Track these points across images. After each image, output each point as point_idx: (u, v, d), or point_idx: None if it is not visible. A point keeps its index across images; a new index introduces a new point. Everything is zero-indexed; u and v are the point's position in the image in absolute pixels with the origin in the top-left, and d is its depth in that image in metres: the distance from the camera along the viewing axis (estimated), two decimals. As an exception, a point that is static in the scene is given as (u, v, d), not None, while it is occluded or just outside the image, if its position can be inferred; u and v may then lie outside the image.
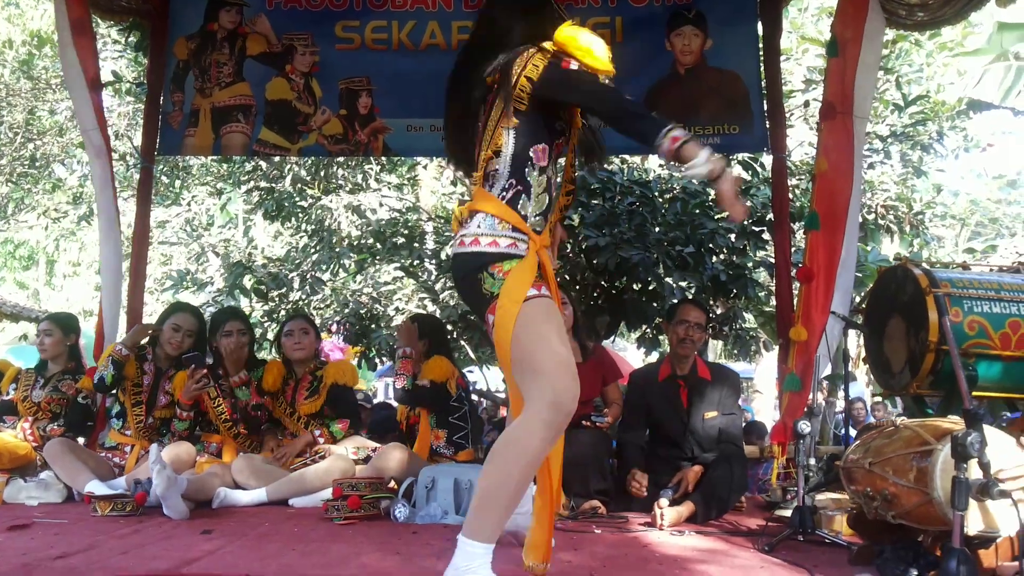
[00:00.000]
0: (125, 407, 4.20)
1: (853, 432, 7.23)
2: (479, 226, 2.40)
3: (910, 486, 2.40)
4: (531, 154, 2.42)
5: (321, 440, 4.19)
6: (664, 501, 3.51)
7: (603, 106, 2.40)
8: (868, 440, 2.83)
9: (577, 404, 2.27)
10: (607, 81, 2.44)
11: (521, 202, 2.41)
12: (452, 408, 4.09)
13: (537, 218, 2.44)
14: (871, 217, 7.33)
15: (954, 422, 2.50)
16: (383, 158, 9.02)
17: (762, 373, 15.12)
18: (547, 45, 2.44)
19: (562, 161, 2.66)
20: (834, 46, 4.17)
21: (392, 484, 3.71)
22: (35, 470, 4.12)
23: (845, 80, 4.12)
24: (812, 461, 3.11)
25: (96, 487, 3.68)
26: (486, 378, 13.90)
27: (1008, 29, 9.71)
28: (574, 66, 2.41)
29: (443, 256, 8.87)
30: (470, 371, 13.72)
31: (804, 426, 3.09)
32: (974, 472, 2.16)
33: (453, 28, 5.13)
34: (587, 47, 2.38)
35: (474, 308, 2.51)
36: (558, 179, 2.58)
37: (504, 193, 2.42)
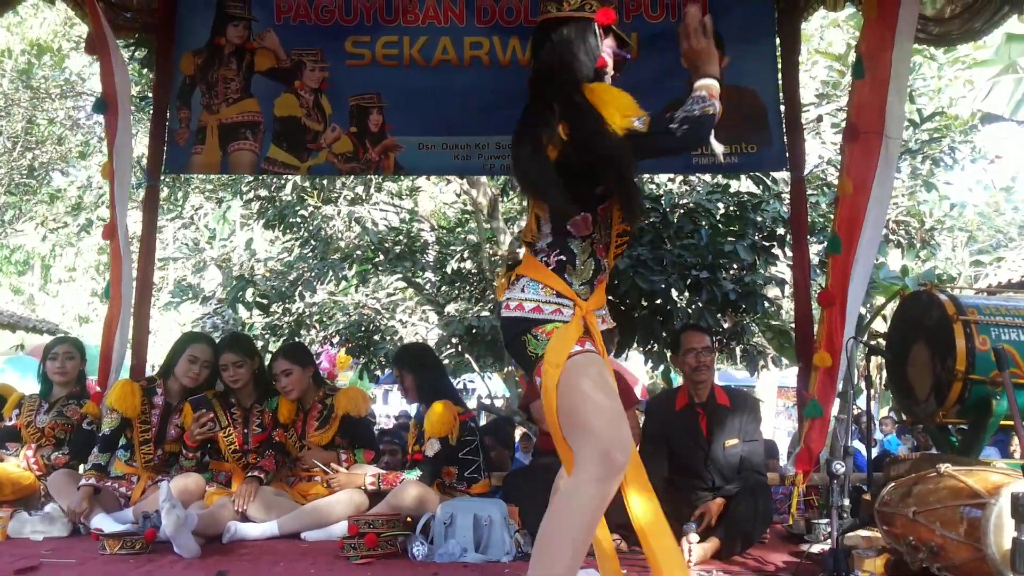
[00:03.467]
0: (132, 442, 4.08)
1: (859, 445, 7.15)
2: (523, 291, 2.40)
3: (960, 540, 2.32)
4: (569, 227, 2.40)
5: (346, 465, 4.08)
6: (693, 536, 3.42)
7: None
8: (907, 483, 2.74)
9: (630, 451, 2.24)
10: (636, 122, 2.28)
11: (567, 270, 2.39)
12: (460, 445, 3.97)
13: (582, 287, 2.41)
14: (883, 233, 7.25)
15: (1005, 473, 2.41)
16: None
17: (763, 380, 15.09)
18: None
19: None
20: (860, 67, 4.08)
21: (408, 519, 3.60)
22: (39, 501, 4.01)
23: (874, 101, 4.02)
24: (846, 502, 3.01)
25: (103, 522, 3.57)
26: (488, 387, 13.82)
27: (1016, 40, 9.66)
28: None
29: (448, 270, 8.79)
30: (471, 380, 13.67)
31: (838, 466, 3.00)
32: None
33: (465, 44, 5.02)
34: (607, 101, 2.29)
35: (524, 369, 2.58)
36: (607, 241, 2.50)
37: (549, 260, 2.41)
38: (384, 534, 3.35)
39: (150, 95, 5.77)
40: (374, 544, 3.29)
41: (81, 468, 4.21)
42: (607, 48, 2.46)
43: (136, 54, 5.56)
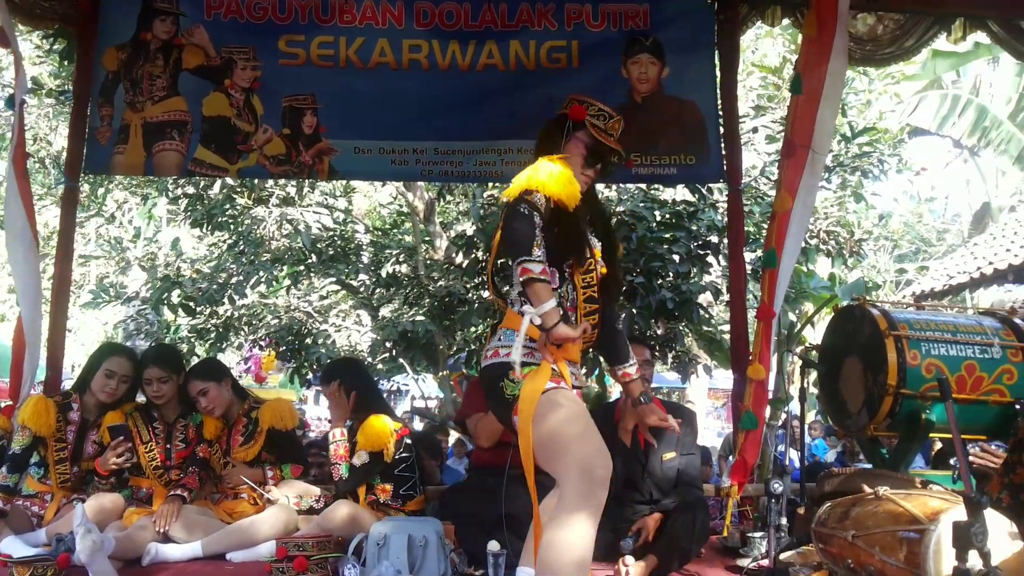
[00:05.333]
0: (46, 460, 3.86)
1: (793, 452, 7.28)
2: (499, 339, 2.60)
3: (900, 565, 2.32)
4: None
5: (272, 482, 3.93)
6: (630, 559, 3.37)
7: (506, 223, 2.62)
8: (845, 504, 2.75)
9: (610, 471, 2.33)
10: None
11: None
12: (396, 462, 3.85)
13: None
14: (814, 242, 7.38)
15: (942, 497, 2.42)
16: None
17: (695, 385, 15.31)
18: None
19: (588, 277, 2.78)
20: (798, 84, 4.11)
21: (340, 540, 3.48)
22: (-58, 522, 3.75)
23: (809, 116, 4.06)
24: (784, 521, 3.01)
25: (13, 546, 3.35)
26: (421, 389, 13.69)
27: (941, 56, 9.97)
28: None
29: (383, 272, 8.64)
30: (405, 385, 13.53)
31: (777, 485, 3.00)
32: (974, 561, 2.07)
33: (404, 46, 4.89)
34: (542, 180, 2.60)
35: (502, 417, 2.65)
36: (575, 296, 2.70)
37: (522, 309, 2.57)
38: (314, 557, 3.22)
39: (71, 89, 5.48)
40: (304, 568, 3.17)
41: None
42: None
43: (56, 46, 5.28)
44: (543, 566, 2.24)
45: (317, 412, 20.16)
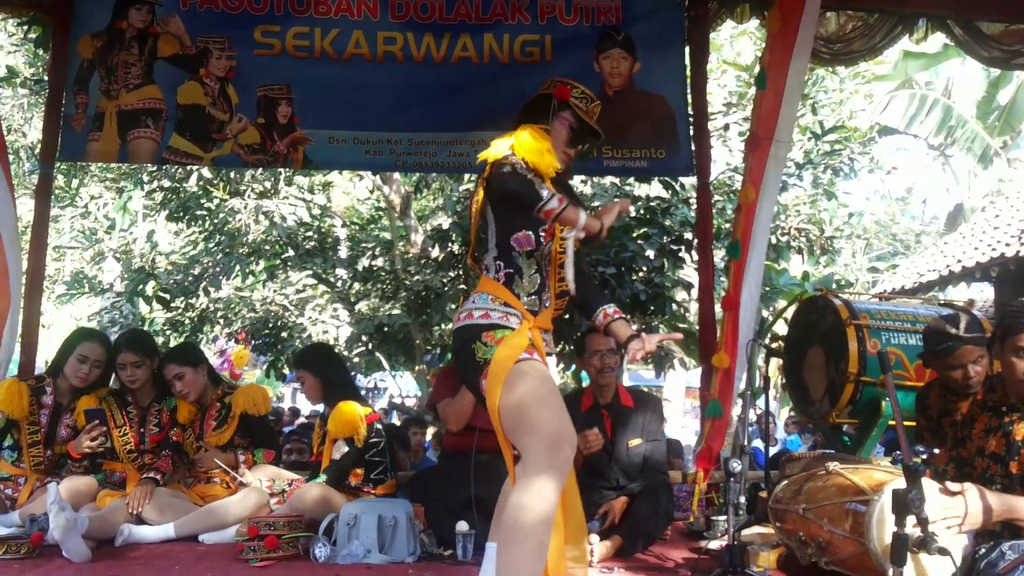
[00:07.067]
0: (20, 443, 3.88)
1: (760, 443, 7.40)
2: (474, 302, 2.58)
3: (846, 535, 2.41)
4: (513, 243, 2.58)
5: (244, 467, 3.97)
6: (595, 538, 3.45)
7: (501, 189, 2.56)
8: (799, 481, 2.84)
9: (575, 446, 2.35)
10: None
11: (515, 282, 2.58)
12: (368, 447, 3.90)
13: (531, 298, 2.59)
14: (784, 239, 7.50)
15: (888, 471, 2.52)
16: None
17: (671, 381, 15.44)
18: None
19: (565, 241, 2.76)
20: (763, 79, 4.21)
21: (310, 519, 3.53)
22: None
23: (775, 110, 4.16)
24: (743, 499, 3.09)
25: (-15, 527, 3.39)
26: (398, 386, 13.73)
27: (912, 57, 10.16)
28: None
29: (360, 267, 8.68)
30: (382, 380, 13.56)
31: (735, 464, 3.08)
32: (912, 526, 2.16)
33: (379, 38, 4.96)
34: (528, 146, 2.60)
35: (469, 380, 2.60)
36: (549, 260, 2.68)
37: (498, 275, 2.60)
38: (285, 536, 3.27)
39: (46, 78, 5.50)
40: (275, 546, 3.21)
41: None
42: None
43: (31, 35, 5.30)
44: (505, 526, 2.26)
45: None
